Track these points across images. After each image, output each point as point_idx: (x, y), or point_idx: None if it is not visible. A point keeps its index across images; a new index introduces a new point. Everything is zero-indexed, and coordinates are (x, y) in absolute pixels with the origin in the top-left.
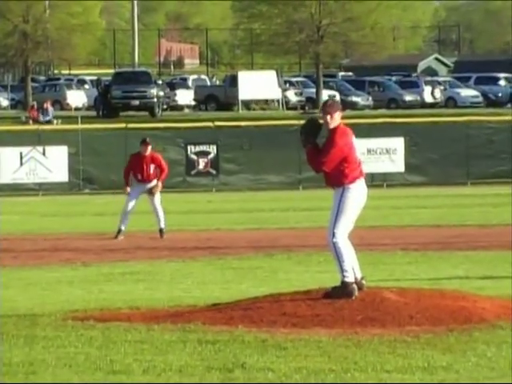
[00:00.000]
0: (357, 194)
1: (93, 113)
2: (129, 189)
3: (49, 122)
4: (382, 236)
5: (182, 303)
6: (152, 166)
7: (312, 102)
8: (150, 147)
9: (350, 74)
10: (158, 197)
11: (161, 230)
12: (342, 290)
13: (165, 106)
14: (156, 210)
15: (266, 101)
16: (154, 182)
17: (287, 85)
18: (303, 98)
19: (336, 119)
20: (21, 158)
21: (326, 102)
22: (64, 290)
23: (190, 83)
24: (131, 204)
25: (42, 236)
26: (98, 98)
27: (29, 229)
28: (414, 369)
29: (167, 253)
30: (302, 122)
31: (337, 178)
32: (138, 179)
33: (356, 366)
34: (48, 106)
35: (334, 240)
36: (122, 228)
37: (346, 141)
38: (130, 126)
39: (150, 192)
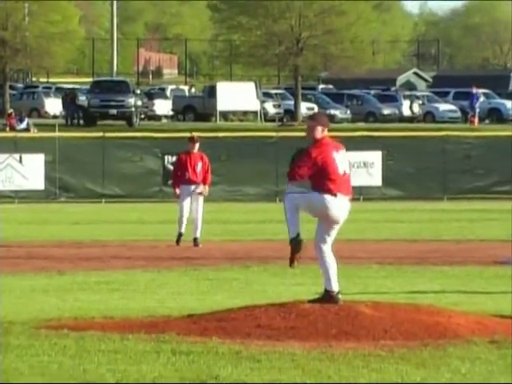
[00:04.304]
0: (333, 205)
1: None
2: (178, 190)
3: (26, 130)
4: (358, 249)
5: (157, 313)
6: (199, 165)
7: (290, 114)
8: (197, 145)
9: (331, 86)
10: (201, 204)
11: (195, 239)
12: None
13: (142, 116)
14: (196, 217)
15: (245, 112)
16: (201, 187)
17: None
18: (281, 110)
19: (317, 133)
20: None
21: (310, 115)
22: (38, 298)
23: (168, 93)
24: (185, 206)
25: (17, 243)
26: (64, 106)
27: (4, 236)
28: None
29: (142, 262)
30: (280, 134)
31: (316, 188)
32: (185, 179)
33: (330, 380)
34: (24, 115)
35: (316, 249)
36: (182, 231)
37: (321, 151)
38: (108, 134)
39: (200, 193)
